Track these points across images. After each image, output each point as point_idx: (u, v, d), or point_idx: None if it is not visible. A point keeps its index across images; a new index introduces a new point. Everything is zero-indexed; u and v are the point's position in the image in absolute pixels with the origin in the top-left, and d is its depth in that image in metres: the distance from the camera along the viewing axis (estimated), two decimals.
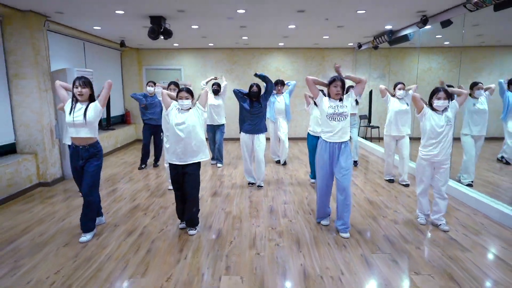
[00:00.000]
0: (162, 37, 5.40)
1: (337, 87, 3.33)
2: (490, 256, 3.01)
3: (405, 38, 6.43)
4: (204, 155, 3.37)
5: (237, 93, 4.76)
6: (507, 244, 3.22)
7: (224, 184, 5.22)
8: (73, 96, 3.27)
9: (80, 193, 4.72)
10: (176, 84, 4.87)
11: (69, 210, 4.16)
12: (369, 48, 8.40)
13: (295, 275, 2.71)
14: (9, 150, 4.94)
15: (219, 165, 6.43)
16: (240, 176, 5.61)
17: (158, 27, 5.20)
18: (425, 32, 6.13)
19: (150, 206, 4.28)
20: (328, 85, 3.38)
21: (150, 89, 5.97)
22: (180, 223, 3.62)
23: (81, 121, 3.17)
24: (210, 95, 6.14)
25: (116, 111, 8.71)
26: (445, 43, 8.53)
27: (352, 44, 8.58)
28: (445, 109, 3.44)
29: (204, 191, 4.86)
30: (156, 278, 2.66)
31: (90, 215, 3.35)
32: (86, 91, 3.24)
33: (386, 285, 2.57)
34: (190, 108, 3.33)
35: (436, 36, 7.49)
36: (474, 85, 4.92)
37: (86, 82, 3.24)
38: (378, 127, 8.78)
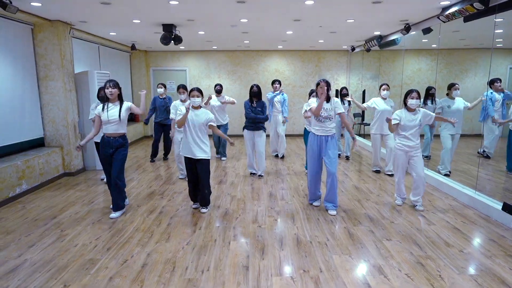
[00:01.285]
0: (173, 43, 6.03)
1: (322, 87, 3.96)
2: (450, 228, 3.65)
3: (393, 42, 7.07)
4: (208, 154, 4.01)
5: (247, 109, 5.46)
6: (466, 220, 3.87)
7: (228, 174, 5.86)
8: (105, 97, 3.90)
9: (102, 180, 5.36)
10: (184, 87, 5.50)
11: (95, 194, 4.80)
12: (362, 51, 9.03)
13: (289, 240, 3.35)
14: (38, 143, 5.58)
15: (223, 158, 7.07)
16: (243, 168, 6.25)
17: (170, 34, 5.83)
18: (412, 36, 6.75)
19: (165, 191, 4.92)
20: (316, 86, 4.01)
21: (160, 90, 6.59)
22: (193, 204, 4.26)
23: (116, 118, 3.81)
24: (213, 95, 6.76)
25: None
26: (433, 45, 9.16)
27: (346, 46, 9.21)
28: (416, 111, 4.08)
29: (211, 179, 5.49)
30: (178, 243, 3.30)
31: (120, 196, 3.99)
32: (115, 91, 3.86)
33: (362, 248, 3.21)
34: (200, 106, 3.98)
35: (423, 40, 8.13)
36: (451, 86, 5.55)
37: (115, 84, 3.87)
38: (370, 124, 9.42)
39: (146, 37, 7.20)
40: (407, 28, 5.83)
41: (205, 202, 4.13)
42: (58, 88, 5.53)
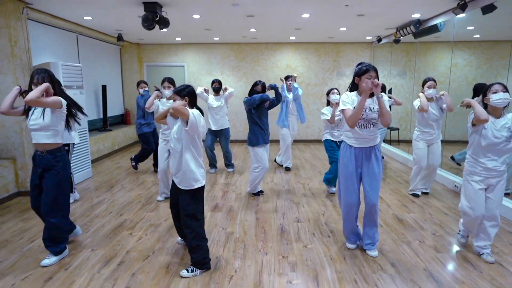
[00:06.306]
0: (158, 27, 4.76)
1: (371, 78, 2.62)
2: None
3: (435, 28, 5.68)
4: (199, 180, 2.58)
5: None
6: None
7: (227, 195, 4.55)
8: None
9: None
10: (170, 81, 4.23)
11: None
12: (389, 42, 7.66)
13: None
14: None
15: (229, 170, 5.80)
16: (247, 184, 4.92)
17: (153, 15, 4.56)
18: (453, 24, 5.40)
19: (139, 223, 3.63)
20: (359, 76, 2.66)
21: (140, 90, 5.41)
22: (180, 240, 3.15)
23: (39, 122, 2.59)
24: (210, 95, 5.49)
25: (114, 111, 8.12)
26: (475, 36, 7.72)
27: (370, 37, 7.83)
28: (504, 115, 2.70)
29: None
30: None
31: (55, 237, 2.77)
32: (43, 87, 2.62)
33: None
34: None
35: (467, 28, 6.70)
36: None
37: (46, 78, 2.63)
38: (398, 129, 8.00)
39: (131, 24, 5.96)
40: (462, 6, 4.43)
41: (191, 257, 2.66)
42: (8, 83, 4.30)
